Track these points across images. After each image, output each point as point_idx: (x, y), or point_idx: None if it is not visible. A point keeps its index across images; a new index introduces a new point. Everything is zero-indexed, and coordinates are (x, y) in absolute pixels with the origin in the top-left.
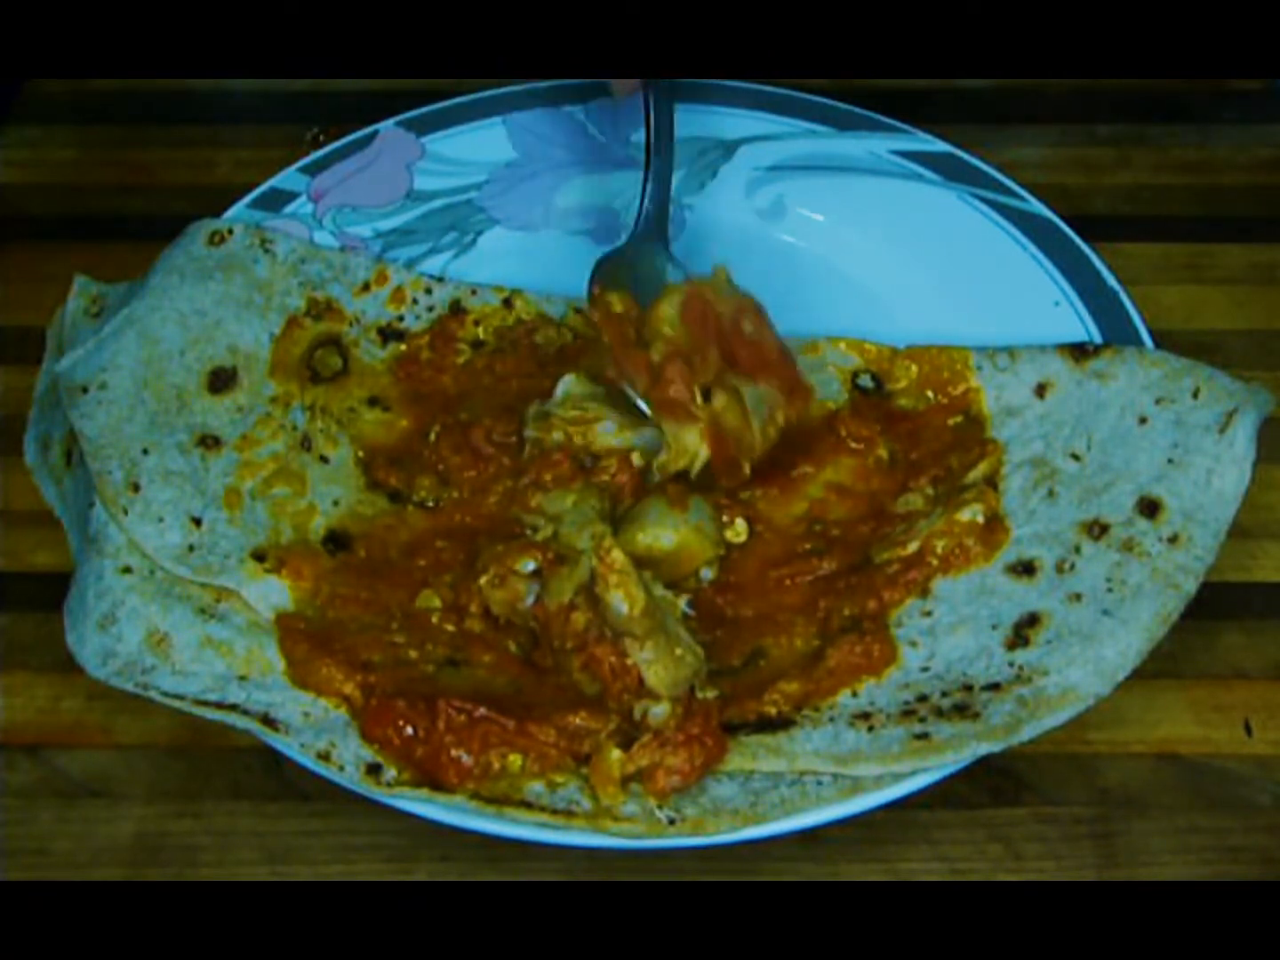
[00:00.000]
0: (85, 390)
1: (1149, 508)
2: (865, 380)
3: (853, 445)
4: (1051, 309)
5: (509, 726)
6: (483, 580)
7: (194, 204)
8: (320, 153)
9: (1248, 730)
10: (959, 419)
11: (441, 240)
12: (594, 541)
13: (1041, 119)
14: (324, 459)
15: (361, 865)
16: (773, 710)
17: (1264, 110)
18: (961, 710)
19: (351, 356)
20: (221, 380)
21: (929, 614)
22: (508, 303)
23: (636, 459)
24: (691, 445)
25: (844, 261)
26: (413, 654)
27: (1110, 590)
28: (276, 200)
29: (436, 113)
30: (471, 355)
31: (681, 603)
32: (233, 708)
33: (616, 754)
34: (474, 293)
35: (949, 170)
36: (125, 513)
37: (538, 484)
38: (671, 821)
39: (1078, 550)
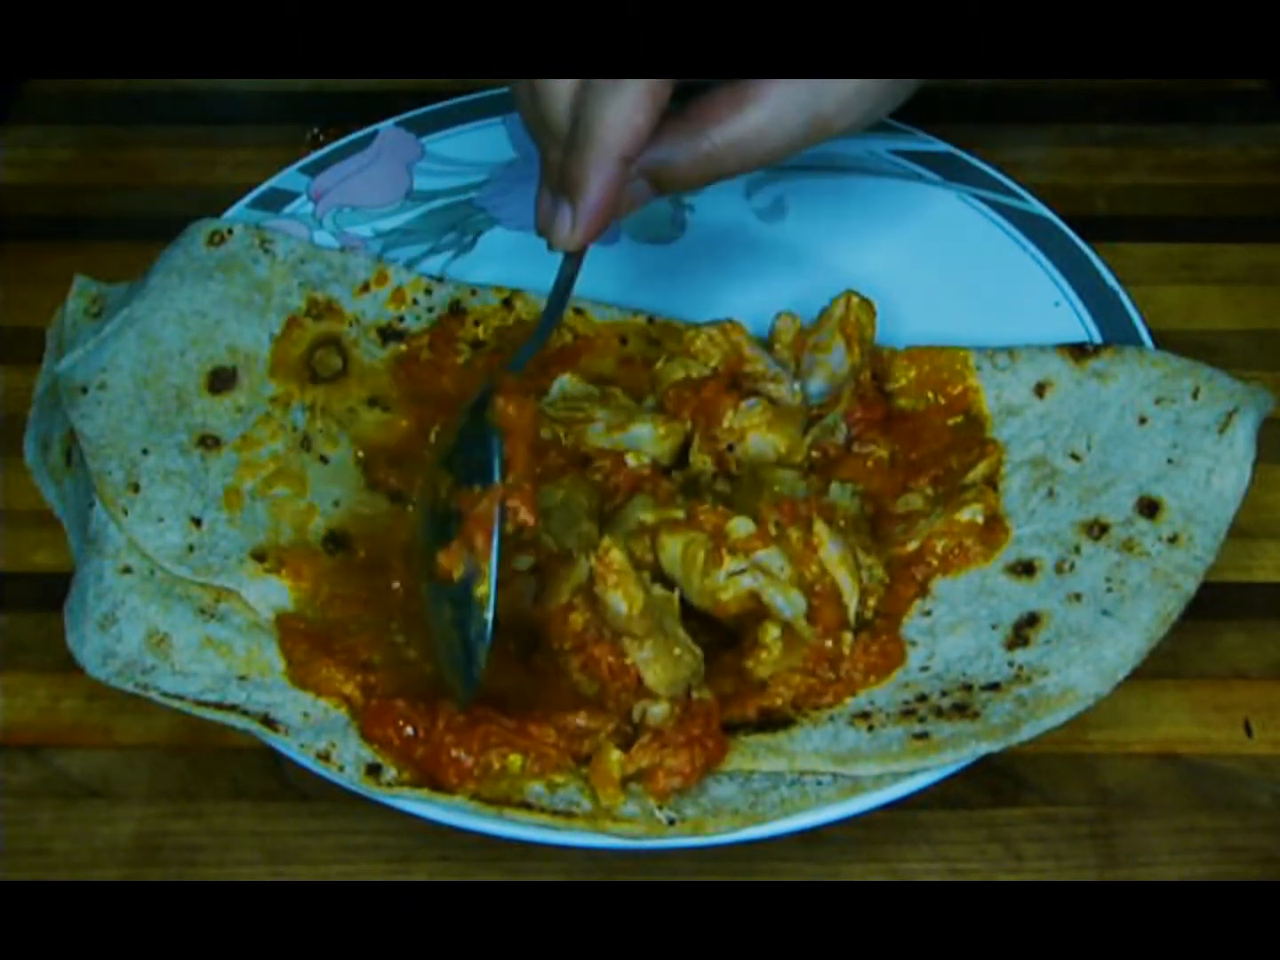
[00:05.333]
0: (85, 390)
1: (1149, 508)
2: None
3: (855, 447)
4: (1051, 309)
5: (509, 726)
6: None
7: (194, 204)
8: (320, 153)
9: (1248, 730)
10: (959, 419)
11: (441, 240)
12: (581, 541)
13: (1041, 119)
14: (324, 459)
15: (361, 865)
16: (778, 702)
17: (1264, 110)
18: (961, 710)
19: (351, 357)
20: (221, 380)
21: (928, 614)
22: (508, 303)
23: (631, 460)
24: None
25: (844, 261)
26: (413, 654)
27: (1110, 590)
28: (276, 200)
29: (436, 113)
30: (471, 355)
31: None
32: (233, 708)
33: (616, 754)
34: (474, 293)
35: (949, 170)
36: (125, 513)
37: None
38: (671, 822)
39: (1077, 550)
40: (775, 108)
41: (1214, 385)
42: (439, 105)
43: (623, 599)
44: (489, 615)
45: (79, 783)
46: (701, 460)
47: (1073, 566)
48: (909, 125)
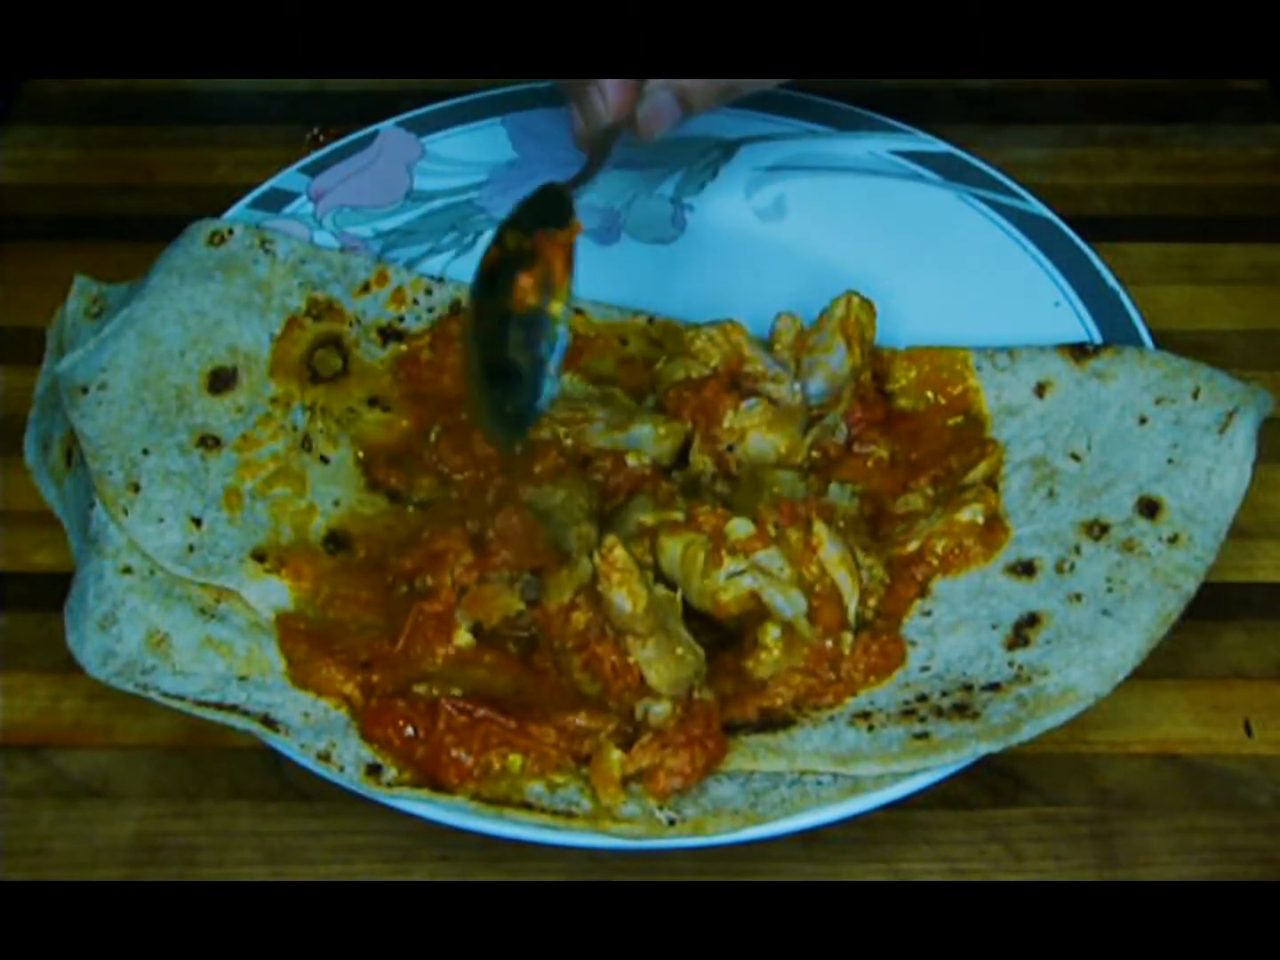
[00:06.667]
0: (85, 391)
1: (1149, 508)
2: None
3: (855, 447)
4: (1051, 309)
5: (509, 726)
6: None
7: (194, 204)
8: (320, 153)
9: (1248, 730)
10: (959, 419)
11: (442, 240)
12: (581, 542)
13: (1041, 119)
14: (324, 459)
15: (361, 865)
16: (779, 702)
17: (1264, 110)
18: (961, 710)
19: (352, 357)
20: (222, 380)
21: (928, 614)
22: None
23: (631, 460)
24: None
25: (844, 261)
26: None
27: (1110, 590)
28: (276, 200)
29: (436, 113)
30: None
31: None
32: (233, 708)
33: (617, 754)
34: None
35: (949, 170)
36: (125, 513)
37: (527, 476)
38: (672, 822)
39: (1078, 550)
40: None
41: (1214, 385)
42: (439, 105)
43: (627, 597)
44: (564, 327)
45: (79, 783)
46: (701, 461)
47: (1073, 567)
48: (909, 125)
